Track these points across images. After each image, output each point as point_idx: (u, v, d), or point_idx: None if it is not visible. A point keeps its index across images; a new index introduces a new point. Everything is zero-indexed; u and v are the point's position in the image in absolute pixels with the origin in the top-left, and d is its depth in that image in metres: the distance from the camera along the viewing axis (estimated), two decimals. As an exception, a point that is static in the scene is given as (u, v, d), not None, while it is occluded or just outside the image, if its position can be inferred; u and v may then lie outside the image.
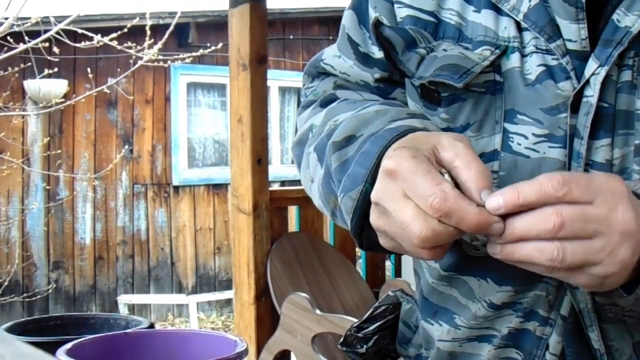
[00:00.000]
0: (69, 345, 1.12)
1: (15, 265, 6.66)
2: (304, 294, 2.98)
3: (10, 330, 1.54)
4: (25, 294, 6.86)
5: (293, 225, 3.56)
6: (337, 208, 0.91)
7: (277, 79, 8.15)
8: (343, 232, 3.62)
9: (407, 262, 3.78)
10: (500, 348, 0.96)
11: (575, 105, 0.89)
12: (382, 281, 3.72)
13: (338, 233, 3.61)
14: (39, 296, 6.90)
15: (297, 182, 8.70)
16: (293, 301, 2.98)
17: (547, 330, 0.93)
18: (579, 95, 0.89)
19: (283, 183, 8.01)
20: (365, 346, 1.12)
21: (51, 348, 1.08)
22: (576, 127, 0.89)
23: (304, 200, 3.48)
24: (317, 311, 2.92)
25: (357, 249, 3.95)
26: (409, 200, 0.74)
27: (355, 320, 1.14)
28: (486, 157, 0.93)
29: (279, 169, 8.24)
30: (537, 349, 0.94)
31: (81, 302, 7.25)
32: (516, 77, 0.91)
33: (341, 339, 1.14)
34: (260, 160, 3.14)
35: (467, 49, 0.94)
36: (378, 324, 1.13)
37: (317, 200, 1.00)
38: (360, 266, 3.82)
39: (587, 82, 0.89)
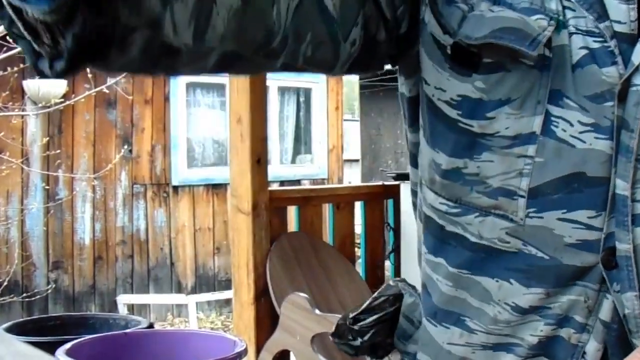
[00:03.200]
0: (68, 345, 1.12)
1: (14, 265, 6.65)
2: (303, 294, 2.98)
3: (9, 330, 1.54)
4: (24, 294, 6.85)
5: (292, 225, 3.56)
6: None
7: (277, 78, 8.15)
8: (343, 232, 3.62)
9: (406, 261, 3.78)
10: (528, 358, 0.88)
11: (622, 93, 0.82)
12: (381, 281, 3.72)
13: (337, 233, 3.61)
14: (38, 296, 6.89)
15: (297, 182, 8.63)
16: (292, 301, 2.98)
17: (584, 337, 0.86)
18: (626, 83, 0.82)
19: (282, 183, 8.00)
20: (360, 339, 1.05)
21: (51, 348, 1.08)
22: (624, 118, 0.82)
23: (303, 200, 3.48)
24: (317, 311, 2.92)
25: (356, 249, 3.94)
26: None
27: (368, 301, 1.07)
28: (521, 140, 0.85)
29: (279, 169, 8.23)
30: (572, 357, 0.87)
31: (80, 302, 7.24)
32: (565, 55, 0.84)
33: (333, 329, 1.06)
34: (259, 160, 3.14)
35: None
36: (376, 316, 1.05)
37: None
38: (360, 266, 3.82)
39: (637, 69, 0.82)
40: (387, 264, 3.99)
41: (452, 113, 0.88)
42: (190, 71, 0.79)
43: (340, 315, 3.03)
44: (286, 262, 3.19)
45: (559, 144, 0.84)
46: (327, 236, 3.74)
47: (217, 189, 7.93)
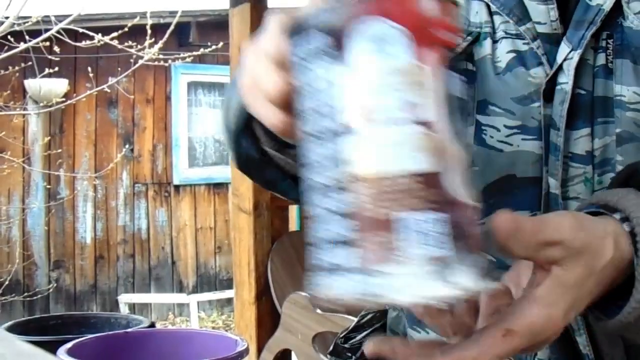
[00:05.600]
0: (69, 345, 1.12)
1: (15, 265, 6.65)
2: (304, 294, 2.98)
3: (11, 329, 1.54)
4: (26, 294, 6.85)
5: (294, 224, 3.56)
6: (229, 121, 0.86)
7: (278, 78, 8.15)
8: (344, 231, 3.62)
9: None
10: None
11: (549, 93, 0.83)
12: (382, 280, 3.72)
13: (339, 232, 3.61)
14: (39, 295, 6.89)
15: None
16: (294, 300, 2.98)
17: None
18: (552, 82, 0.83)
19: (284, 182, 8.00)
20: (354, 356, 1.08)
21: (52, 347, 1.08)
22: (551, 117, 0.83)
23: (304, 200, 3.48)
24: (318, 310, 2.92)
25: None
26: None
27: (356, 320, 1.11)
28: None
29: (280, 168, 8.24)
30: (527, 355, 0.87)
31: (82, 301, 7.25)
32: (488, 65, 0.86)
33: (330, 349, 1.10)
34: (261, 159, 3.13)
35: None
36: (365, 333, 1.07)
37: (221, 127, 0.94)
38: (361, 265, 3.82)
39: (560, 67, 0.83)
40: (389, 263, 3.99)
41: None
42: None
43: (341, 315, 3.03)
44: (287, 261, 3.19)
45: (488, 150, 0.85)
46: (329, 235, 3.73)
47: (218, 188, 7.93)
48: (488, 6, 0.87)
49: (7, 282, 6.52)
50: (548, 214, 0.63)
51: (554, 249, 0.60)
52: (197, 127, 8.06)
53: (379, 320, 1.09)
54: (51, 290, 7.03)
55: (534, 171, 0.85)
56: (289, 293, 3.03)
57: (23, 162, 6.57)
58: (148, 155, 7.61)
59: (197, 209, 7.87)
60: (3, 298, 6.51)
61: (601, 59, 0.83)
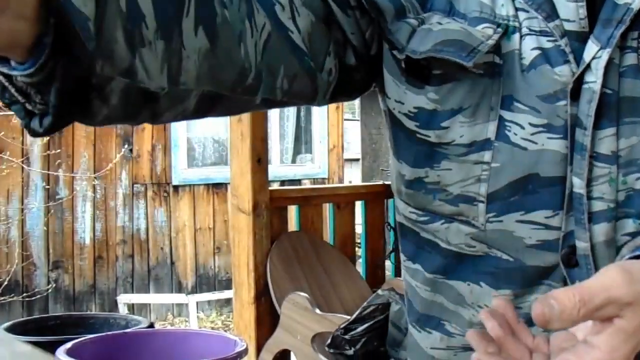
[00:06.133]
0: (68, 345, 1.12)
1: (14, 265, 6.65)
2: (303, 294, 2.98)
3: (10, 329, 1.54)
4: (24, 294, 6.85)
5: (293, 224, 3.56)
6: None
7: (277, 78, 8.14)
8: (343, 231, 3.62)
9: (406, 261, 3.77)
10: None
11: (575, 92, 0.83)
12: (382, 281, 3.71)
13: (338, 233, 3.61)
14: (38, 296, 6.89)
15: (297, 181, 8.62)
16: (293, 301, 2.98)
17: None
18: (578, 81, 0.83)
19: (283, 183, 8.00)
20: (353, 348, 1.07)
21: (51, 348, 1.08)
22: (577, 117, 0.83)
23: (304, 200, 3.48)
24: (317, 311, 2.91)
25: (357, 249, 3.94)
26: None
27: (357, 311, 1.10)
28: (477, 146, 0.87)
29: (279, 169, 8.24)
30: None
31: (81, 301, 7.25)
32: (515, 60, 0.85)
33: (329, 341, 1.10)
34: (260, 159, 3.13)
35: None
36: (367, 325, 1.07)
37: None
38: (360, 266, 3.82)
39: (588, 66, 0.82)
40: (388, 263, 3.99)
41: (411, 125, 0.90)
42: (174, 116, 0.79)
43: (340, 315, 3.03)
44: (286, 261, 3.18)
45: (512, 147, 0.85)
46: (328, 236, 3.74)
47: (217, 188, 7.93)
48: (513, 0, 0.86)
49: (6, 283, 6.52)
50: (594, 276, 0.63)
51: (607, 308, 0.61)
52: (196, 128, 8.06)
53: (382, 312, 1.09)
54: (50, 290, 7.03)
55: (558, 170, 0.85)
56: (288, 293, 3.03)
57: (22, 162, 6.57)
58: (147, 156, 7.61)
59: (196, 209, 7.87)
60: (2, 298, 6.50)
61: (630, 59, 0.83)
